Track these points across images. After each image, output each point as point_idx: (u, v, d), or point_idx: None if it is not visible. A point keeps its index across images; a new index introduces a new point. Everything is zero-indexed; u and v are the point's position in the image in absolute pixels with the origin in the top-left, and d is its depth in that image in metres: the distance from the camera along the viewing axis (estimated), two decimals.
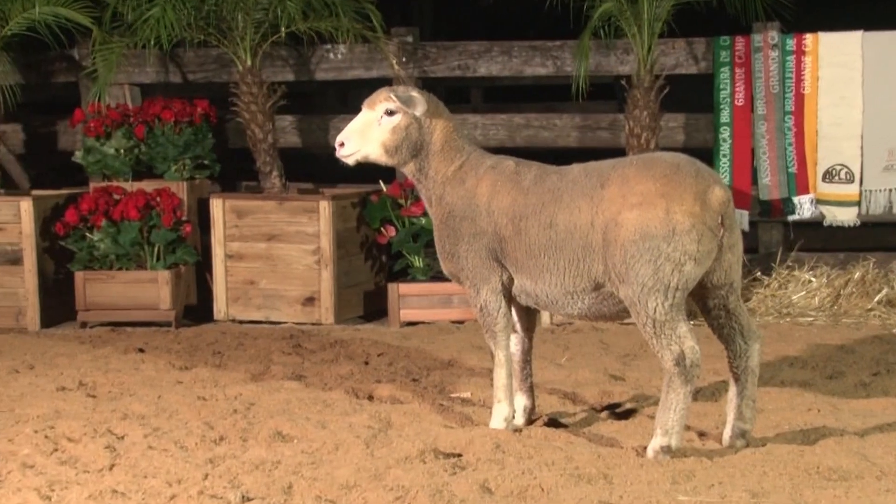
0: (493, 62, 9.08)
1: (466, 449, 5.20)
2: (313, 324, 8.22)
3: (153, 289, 8.22)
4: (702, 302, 5.32)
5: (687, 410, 5.14)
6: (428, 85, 9.00)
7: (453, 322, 8.11)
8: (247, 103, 8.65)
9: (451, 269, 5.55)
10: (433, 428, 5.53)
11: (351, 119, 5.60)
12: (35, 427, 5.70)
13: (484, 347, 7.32)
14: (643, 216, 5.09)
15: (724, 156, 8.41)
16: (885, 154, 8.20)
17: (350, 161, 5.53)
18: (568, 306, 5.37)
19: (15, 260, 8.45)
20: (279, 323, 8.26)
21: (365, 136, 5.47)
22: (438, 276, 7.69)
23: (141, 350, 7.47)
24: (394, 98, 5.45)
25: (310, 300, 8.29)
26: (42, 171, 9.71)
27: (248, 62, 8.61)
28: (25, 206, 8.43)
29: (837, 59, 8.22)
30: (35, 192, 8.80)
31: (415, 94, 5.48)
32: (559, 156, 9.44)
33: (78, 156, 8.85)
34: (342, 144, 5.51)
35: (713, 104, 8.47)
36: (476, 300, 5.49)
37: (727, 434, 5.35)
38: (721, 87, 8.43)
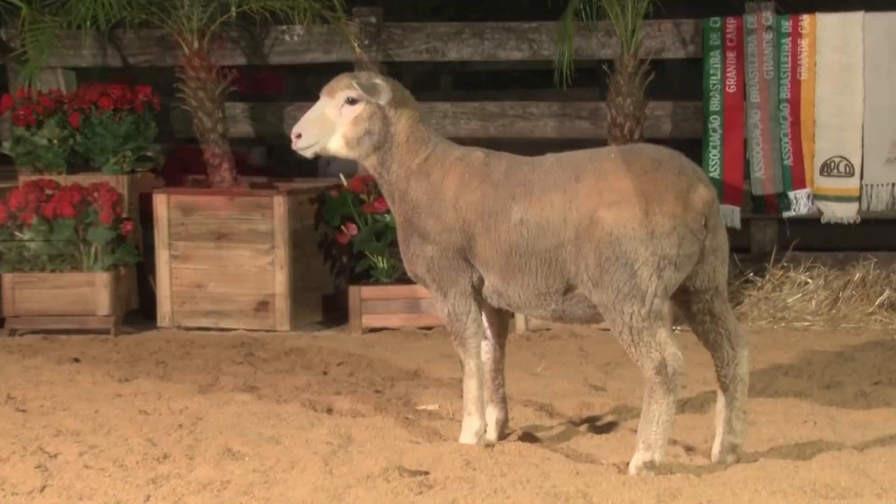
0: (464, 46, 9.09)
1: (434, 466, 5.21)
2: (267, 331, 8.21)
3: (90, 292, 8.18)
4: (685, 307, 5.33)
5: (671, 423, 5.14)
6: (393, 70, 9.00)
7: (420, 328, 8.12)
8: (194, 89, 8.63)
9: (416, 272, 5.54)
10: (398, 443, 5.54)
11: (309, 107, 5.57)
12: None
13: (453, 356, 7.30)
14: (620, 216, 5.08)
15: (714, 147, 8.44)
16: (888, 146, 8.25)
17: (308, 153, 5.53)
18: (541, 308, 5.37)
19: None
20: (229, 330, 8.24)
21: (324, 126, 5.45)
22: (404, 279, 7.69)
23: (76, 360, 7.43)
24: (356, 85, 5.43)
25: (263, 305, 8.28)
26: None
27: (195, 44, 8.59)
28: None
29: (837, 42, 8.27)
30: None
31: (379, 81, 5.47)
32: (537, 147, 9.50)
33: (6, 146, 8.80)
34: (299, 136, 5.49)
35: (702, 91, 8.50)
36: (443, 305, 5.48)
37: (716, 448, 5.37)
38: (711, 72, 8.47)
